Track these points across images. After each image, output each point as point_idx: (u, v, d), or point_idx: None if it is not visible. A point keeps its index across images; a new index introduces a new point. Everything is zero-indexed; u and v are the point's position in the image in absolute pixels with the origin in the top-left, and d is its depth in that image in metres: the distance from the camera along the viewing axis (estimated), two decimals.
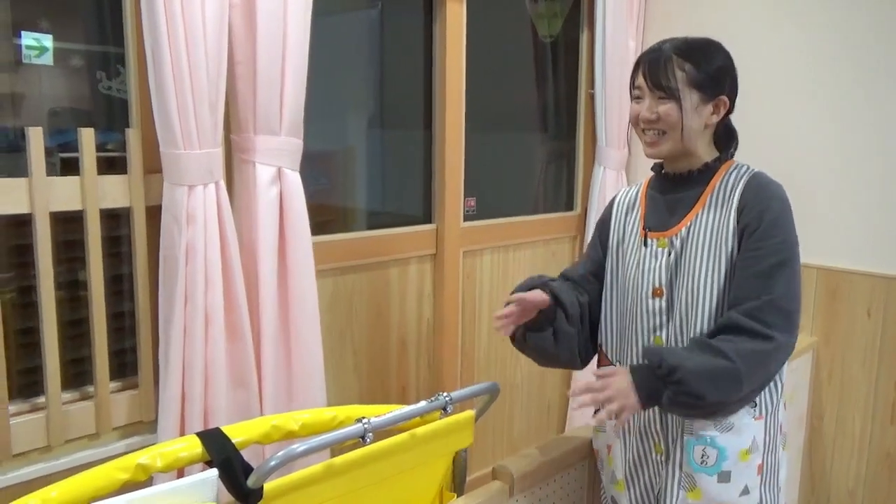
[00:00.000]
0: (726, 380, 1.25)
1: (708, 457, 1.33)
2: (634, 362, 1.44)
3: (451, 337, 2.24)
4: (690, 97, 1.35)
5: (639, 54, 1.44)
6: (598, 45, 2.47)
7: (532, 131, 2.65)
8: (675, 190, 1.43)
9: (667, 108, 1.35)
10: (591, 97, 2.60)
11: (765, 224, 1.31)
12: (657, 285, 1.40)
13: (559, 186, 2.72)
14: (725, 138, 1.46)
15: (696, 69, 1.34)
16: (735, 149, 1.46)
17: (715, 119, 1.39)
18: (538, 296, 1.40)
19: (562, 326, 1.45)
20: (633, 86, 1.41)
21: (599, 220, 1.60)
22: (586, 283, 1.54)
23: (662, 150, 1.39)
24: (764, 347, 1.26)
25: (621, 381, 1.29)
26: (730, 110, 1.42)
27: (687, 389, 1.24)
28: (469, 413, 1.29)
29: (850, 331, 2.18)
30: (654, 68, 1.35)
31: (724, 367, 1.24)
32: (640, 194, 1.52)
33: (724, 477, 1.34)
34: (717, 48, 1.40)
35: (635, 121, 1.41)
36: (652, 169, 1.52)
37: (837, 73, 2.17)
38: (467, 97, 2.19)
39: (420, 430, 1.20)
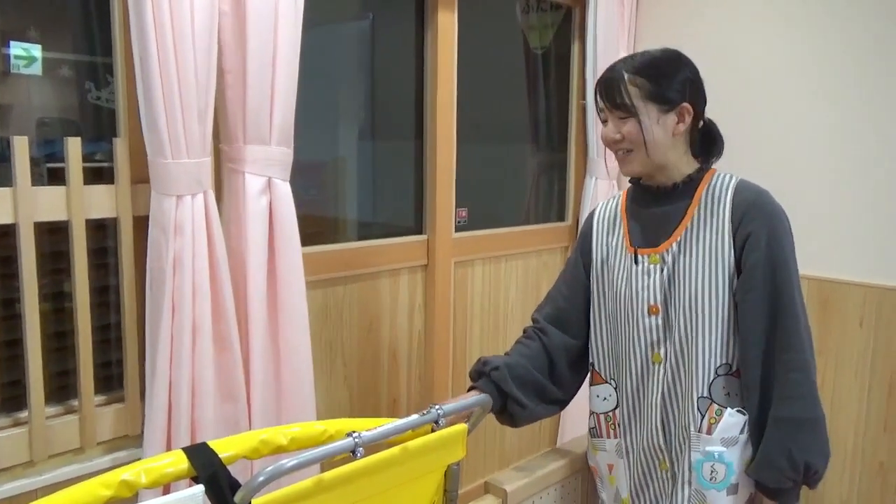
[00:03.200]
0: (819, 424, 1.33)
1: (717, 472, 1.34)
2: (632, 379, 1.43)
3: (442, 348, 2.22)
4: (648, 111, 1.35)
5: None
6: (590, 57, 2.47)
7: (523, 142, 2.65)
8: (659, 203, 1.43)
9: (628, 126, 1.36)
10: (583, 108, 2.60)
11: (775, 257, 1.31)
12: (652, 303, 1.39)
13: (551, 197, 2.72)
14: (706, 145, 1.45)
15: (650, 82, 1.35)
16: (719, 155, 1.45)
17: (682, 128, 1.38)
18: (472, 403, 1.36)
19: (520, 412, 1.45)
20: (597, 109, 1.44)
21: (580, 236, 1.58)
22: (559, 315, 1.53)
23: (634, 167, 1.40)
24: (809, 377, 1.34)
25: None
26: (696, 116, 1.40)
27: (817, 469, 1.31)
28: (462, 426, 1.27)
29: (842, 341, 2.18)
30: (608, 89, 1.38)
31: (813, 421, 1.32)
32: (619, 208, 1.51)
33: (733, 489, 1.35)
34: (674, 57, 1.40)
35: (606, 142, 1.43)
36: (630, 181, 1.51)
37: (830, 83, 2.18)
38: (459, 108, 2.18)
39: (412, 443, 1.18)
